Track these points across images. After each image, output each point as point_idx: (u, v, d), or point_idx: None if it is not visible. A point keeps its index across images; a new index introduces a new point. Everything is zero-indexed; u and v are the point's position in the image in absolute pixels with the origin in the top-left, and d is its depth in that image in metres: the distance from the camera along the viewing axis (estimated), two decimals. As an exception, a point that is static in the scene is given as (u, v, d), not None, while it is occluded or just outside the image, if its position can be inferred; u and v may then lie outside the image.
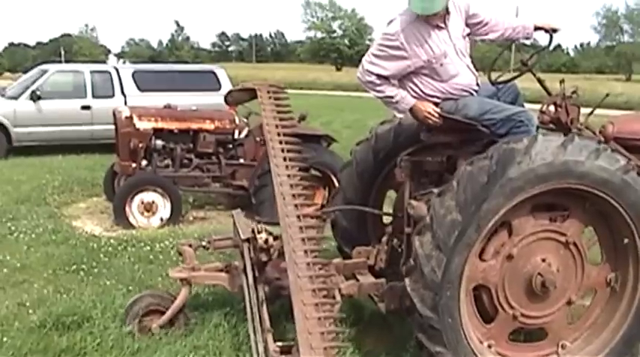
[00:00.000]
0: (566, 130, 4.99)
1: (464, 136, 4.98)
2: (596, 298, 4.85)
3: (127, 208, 9.00)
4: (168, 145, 9.71)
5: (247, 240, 5.19)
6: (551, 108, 5.09)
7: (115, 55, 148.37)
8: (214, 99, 14.51)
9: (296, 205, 4.82)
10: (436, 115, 4.95)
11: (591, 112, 5.32)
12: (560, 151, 4.19)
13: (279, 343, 4.40)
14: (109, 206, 9.89)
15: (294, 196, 4.88)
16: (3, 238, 8.10)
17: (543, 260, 4.51)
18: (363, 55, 5.10)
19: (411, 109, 5.02)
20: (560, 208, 4.57)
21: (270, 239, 5.11)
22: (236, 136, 10.14)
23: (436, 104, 4.99)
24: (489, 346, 4.55)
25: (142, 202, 9.05)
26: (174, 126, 9.72)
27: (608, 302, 4.82)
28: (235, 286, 5.35)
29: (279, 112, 5.63)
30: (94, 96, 15.94)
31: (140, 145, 9.49)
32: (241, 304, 5.24)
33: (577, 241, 4.59)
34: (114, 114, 10.14)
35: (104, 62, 21.84)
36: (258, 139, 10.03)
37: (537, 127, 5.09)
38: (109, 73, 16.36)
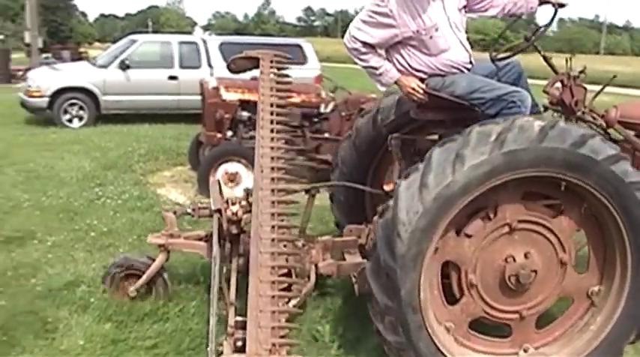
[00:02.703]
0: (570, 112, 4.76)
1: (454, 114, 4.73)
2: (572, 308, 4.57)
3: (211, 178, 9.03)
4: (254, 117, 9.69)
5: (218, 210, 5.08)
6: (557, 87, 4.83)
7: (201, 27, 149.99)
8: (301, 72, 14.47)
9: (272, 179, 4.68)
10: (420, 91, 4.72)
11: (597, 94, 5.10)
12: (539, 137, 3.95)
13: (239, 318, 4.24)
14: (193, 175, 10.01)
15: (272, 168, 4.75)
16: (91, 202, 8.25)
17: (523, 253, 4.27)
18: None
19: (395, 83, 4.82)
20: (556, 204, 4.33)
21: (241, 212, 5.01)
22: (322, 110, 10.06)
23: (422, 80, 4.76)
24: (447, 329, 4.31)
25: (226, 173, 9.03)
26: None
27: (584, 315, 4.54)
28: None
29: (277, 82, 5.59)
30: (181, 66, 16.14)
31: (226, 116, 9.53)
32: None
33: (564, 242, 4.33)
34: (201, 85, 10.20)
35: (190, 34, 21.97)
36: (343, 113, 9.96)
37: (545, 108, 4.86)
38: (197, 44, 16.53)
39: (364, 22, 4.72)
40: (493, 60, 4.96)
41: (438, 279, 4.30)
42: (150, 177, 10.26)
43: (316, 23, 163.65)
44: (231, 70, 6.66)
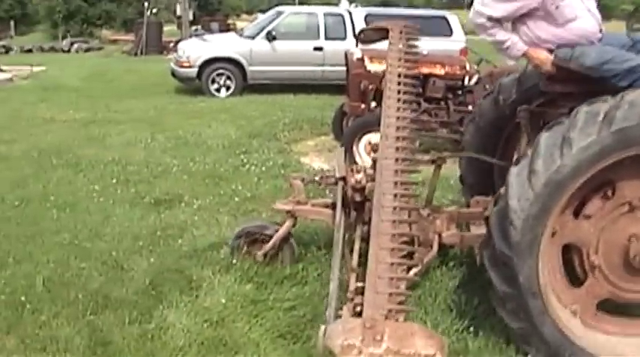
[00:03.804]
0: None
1: (585, 87, 4.47)
2: None
3: (355, 148, 9.09)
4: (398, 88, 9.65)
5: (342, 178, 5.08)
6: None
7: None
8: (445, 45, 14.33)
9: (397, 148, 4.60)
10: (549, 62, 4.53)
11: None
12: None
13: (359, 284, 4.15)
14: (337, 145, 10.07)
15: (397, 138, 4.67)
16: (236, 169, 8.50)
17: None
18: None
19: (523, 56, 4.64)
20: None
21: (364, 180, 4.95)
22: (466, 82, 9.90)
23: (550, 51, 4.55)
24: (573, 312, 4.15)
25: (370, 143, 9.05)
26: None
27: None
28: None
29: (405, 52, 5.48)
30: (326, 38, 16.28)
31: (370, 86, 9.49)
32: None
33: None
34: (345, 56, 10.25)
35: (336, 5, 22.22)
36: (487, 86, 9.74)
37: None
38: (342, 15, 16.60)
39: None
40: (630, 30, 4.71)
41: (559, 262, 4.21)
42: (294, 146, 10.45)
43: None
44: (360, 41, 6.66)
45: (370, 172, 5.09)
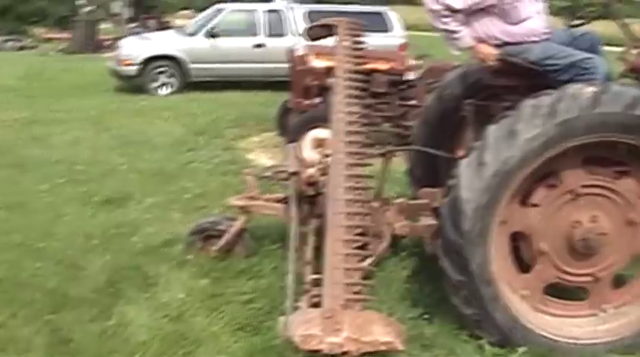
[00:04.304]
0: None
1: (529, 81, 4.71)
2: None
3: (300, 143, 9.17)
4: (342, 84, 9.78)
5: (295, 173, 5.16)
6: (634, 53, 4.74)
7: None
8: (384, 40, 14.50)
9: (348, 142, 4.79)
10: (493, 57, 4.73)
11: None
12: (591, 104, 3.97)
13: (315, 276, 4.32)
14: (281, 141, 10.17)
15: (348, 132, 4.86)
16: (184, 166, 8.55)
17: (590, 217, 4.27)
18: None
19: (470, 49, 4.83)
20: (617, 164, 4.30)
21: (317, 174, 5.07)
22: (408, 77, 10.08)
23: (499, 47, 4.75)
24: (523, 297, 4.37)
25: (315, 138, 9.18)
26: (347, 65, 9.76)
27: None
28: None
29: (352, 49, 5.66)
30: (267, 35, 16.33)
31: (314, 82, 9.62)
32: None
33: (632, 202, 4.30)
34: (289, 52, 10.33)
35: (271, 1, 22.07)
36: (430, 81, 9.94)
37: (622, 76, 4.77)
38: (283, 12, 16.65)
39: None
40: (569, 27, 4.96)
41: (508, 250, 4.40)
42: (239, 142, 10.51)
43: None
44: (309, 38, 6.79)
45: (322, 166, 5.20)
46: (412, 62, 10.21)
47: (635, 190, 4.34)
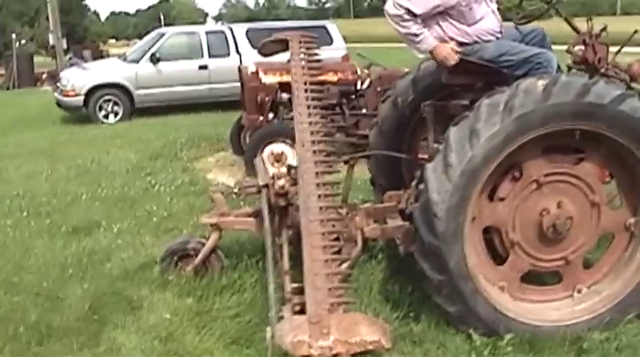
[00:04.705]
0: (594, 70, 4.90)
1: (484, 78, 4.94)
2: (614, 243, 4.78)
3: (258, 160, 9.22)
4: (294, 98, 9.88)
5: (265, 186, 5.22)
6: (579, 47, 4.98)
7: (213, 18, 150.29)
8: (327, 53, 14.60)
9: (314, 151, 4.95)
10: (455, 56, 4.88)
11: (618, 51, 5.21)
12: (544, 96, 4.16)
13: (295, 285, 4.48)
14: (237, 159, 10.29)
15: (313, 142, 5.01)
16: (145, 191, 8.53)
17: (556, 203, 4.47)
18: None
19: (431, 51, 4.97)
20: (575, 151, 4.53)
21: (287, 185, 5.16)
22: (358, 86, 10.24)
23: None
24: (501, 288, 4.56)
25: (272, 153, 9.24)
26: (299, 79, 9.86)
27: (627, 247, 4.74)
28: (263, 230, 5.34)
29: (307, 61, 5.84)
30: (210, 56, 16.38)
31: (267, 98, 9.71)
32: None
33: (592, 185, 4.52)
34: (239, 70, 10.43)
35: (202, 24, 22.00)
36: (379, 89, 10.11)
37: (569, 68, 5.00)
38: (224, 33, 16.76)
39: None
40: (516, 24, 5.17)
41: (481, 245, 4.58)
42: (195, 163, 10.51)
43: (328, 5, 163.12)
44: (262, 54, 6.88)
45: (289, 177, 5.28)
46: (362, 72, 10.34)
47: (593, 173, 4.55)
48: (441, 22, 4.97)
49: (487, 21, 4.96)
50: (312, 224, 4.48)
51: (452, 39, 4.94)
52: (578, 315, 4.59)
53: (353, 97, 10.21)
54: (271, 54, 7.07)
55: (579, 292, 4.69)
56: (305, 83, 5.57)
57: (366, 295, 5.04)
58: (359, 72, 10.30)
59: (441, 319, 4.61)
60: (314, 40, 6.22)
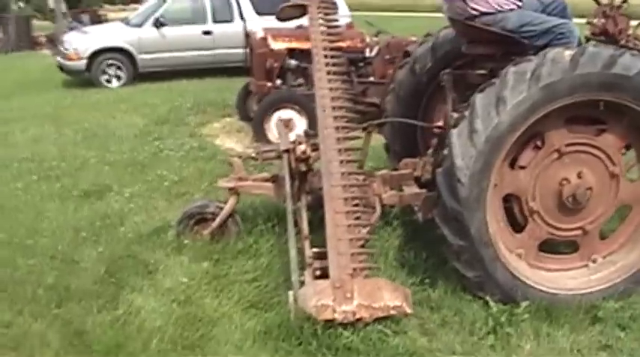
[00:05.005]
0: (614, 42, 4.88)
1: (505, 48, 4.94)
2: (632, 215, 4.81)
3: (266, 126, 9.23)
4: (301, 64, 9.84)
5: (287, 151, 5.21)
6: (600, 19, 4.97)
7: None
8: (333, 20, 14.53)
9: (335, 117, 4.98)
10: None
11: None
12: (571, 66, 4.17)
13: (315, 249, 4.50)
14: (244, 125, 10.29)
15: (333, 108, 5.04)
16: (154, 155, 8.54)
17: (576, 173, 4.49)
18: None
19: None
20: (597, 122, 4.54)
21: (309, 150, 5.16)
22: (366, 54, 10.18)
23: (475, 17, 4.92)
24: (519, 255, 4.60)
25: (280, 119, 9.24)
26: (306, 45, 9.76)
27: None
28: (281, 195, 5.34)
29: (327, 27, 5.83)
30: (214, 21, 16.23)
31: (275, 64, 9.67)
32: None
33: (613, 156, 4.53)
34: (247, 36, 10.39)
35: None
36: (387, 57, 10.06)
37: (587, 39, 4.99)
38: (228, -3, 16.56)
39: None
40: None
41: (501, 212, 4.60)
42: (202, 129, 10.48)
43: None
44: (279, 19, 6.83)
45: (312, 142, 5.27)
46: (370, 39, 10.27)
47: (614, 145, 4.56)
48: None
49: None
50: (335, 189, 4.50)
51: (473, 9, 4.90)
52: (594, 284, 4.64)
53: (361, 64, 10.15)
54: (289, 19, 7.04)
55: (594, 262, 4.74)
56: (324, 49, 5.54)
57: (382, 262, 5.05)
58: (367, 40, 10.22)
59: (458, 285, 4.66)
60: (332, 6, 6.15)
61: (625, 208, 4.85)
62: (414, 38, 10.45)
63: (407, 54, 8.91)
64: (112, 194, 6.96)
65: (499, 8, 4.87)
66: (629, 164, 4.82)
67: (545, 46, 4.60)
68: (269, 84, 9.73)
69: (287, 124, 9.21)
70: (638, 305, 4.54)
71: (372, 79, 10.15)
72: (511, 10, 4.88)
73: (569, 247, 4.91)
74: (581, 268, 4.75)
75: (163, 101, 12.50)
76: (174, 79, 15.47)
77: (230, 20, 16.18)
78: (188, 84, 14.91)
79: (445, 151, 4.45)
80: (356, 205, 4.60)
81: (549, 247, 4.80)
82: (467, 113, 4.35)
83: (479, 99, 4.31)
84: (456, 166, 4.27)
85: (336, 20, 6.00)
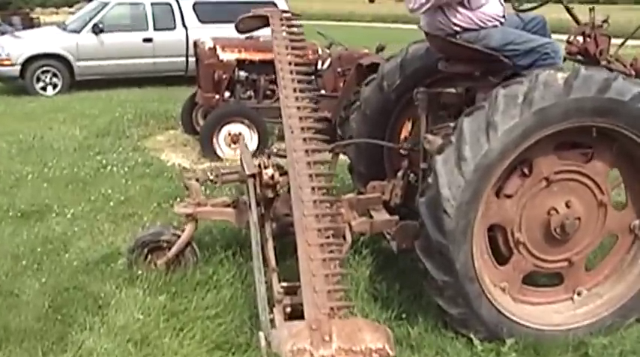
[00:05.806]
0: (595, 62, 4.69)
1: (484, 67, 4.71)
2: (617, 244, 4.64)
3: (215, 140, 8.88)
4: (252, 76, 9.51)
5: (252, 175, 4.82)
6: (580, 38, 4.77)
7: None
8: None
9: (304, 139, 4.63)
10: None
11: (622, 43, 5.02)
12: (565, 90, 3.96)
13: (284, 284, 4.20)
14: (190, 139, 9.90)
15: (302, 129, 4.71)
16: (97, 171, 8.01)
17: (564, 202, 4.29)
18: None
19: None
20: (582, 147, 4.34)
21: (277, 175, 4.83)
22: (318, 67, 9.87)
23: (457, 34, 4.67)
24: (502, 289, 4.36)
25: (229, 134, 8.90)
26: (257, 57, 9.47)
27: (630, 249, 4.61)
28: (242, 222, 5.02)
29: (291, 40, 5.49)
30: (155, 28, 15.73)
31: (224, 76, 9.31)
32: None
33: (601, 184, 4.36)
34: (195, 45, 9.99)
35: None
36: (339, 69, 9.81)
37: (564, 59, 4.79)
38: (170, 4, 16.04)
39: None
40: (517, 11, 4.92)
41: (485, 243, 4.34)
42: (145, 142, 10.00)
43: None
44: (239, 31, 6.48)
45: (281, 164, 4.93)
46: (323, 51, 9.98)
47: (602, 172, 4.36)
48: (444, 7, 4.63)
49: (490, 6, 4.65)
50: (307, 219, 4.16)
51: (455, 24, 4.62)
52: (580, 319, 4.43)
53: (312, 77, 9.82)
54: (249, 31, 6.68)
55: (579, 294, 4.53)
56: (289, 63, 5.20)
57: (353, 294, 4.70)
58: (320, 52, 9.91)
59: (438, 321, 4.36)
60: (295, 17, 5.81)
61: (610, 238, 4.65)
62: (366, 50, 10.25)
63: (359, 67, 8.71)
64: (53, 215, 6.43)
65: (482, 25, 4.60)
66: (613, 184, 4.62)
67: (528, 66, 4.41)
68: (217, 96, 9.37)
69: (236, 140, 8.88)
70: (627, 341, 4.32)
71: (323, 92, 9.84)
72: (494, 26, 4.62)
73: (551, 279, 4.67)
74: (565, 301, 4.52)
75: (103, 111, 11.96)
76: (112, 88, 14.92)
77: (172, 28, 15.71)
78: (128, 93, 14.38)
79: (430, 180, 4.12)
80: (328, 236, 4.23)
81: (531, 279, 4.54)
82: (453, 139, 4.03)
83: (467, 124, 4.01)
84: (442, 196, 3.96)
85: (302, 34, 5.64)
